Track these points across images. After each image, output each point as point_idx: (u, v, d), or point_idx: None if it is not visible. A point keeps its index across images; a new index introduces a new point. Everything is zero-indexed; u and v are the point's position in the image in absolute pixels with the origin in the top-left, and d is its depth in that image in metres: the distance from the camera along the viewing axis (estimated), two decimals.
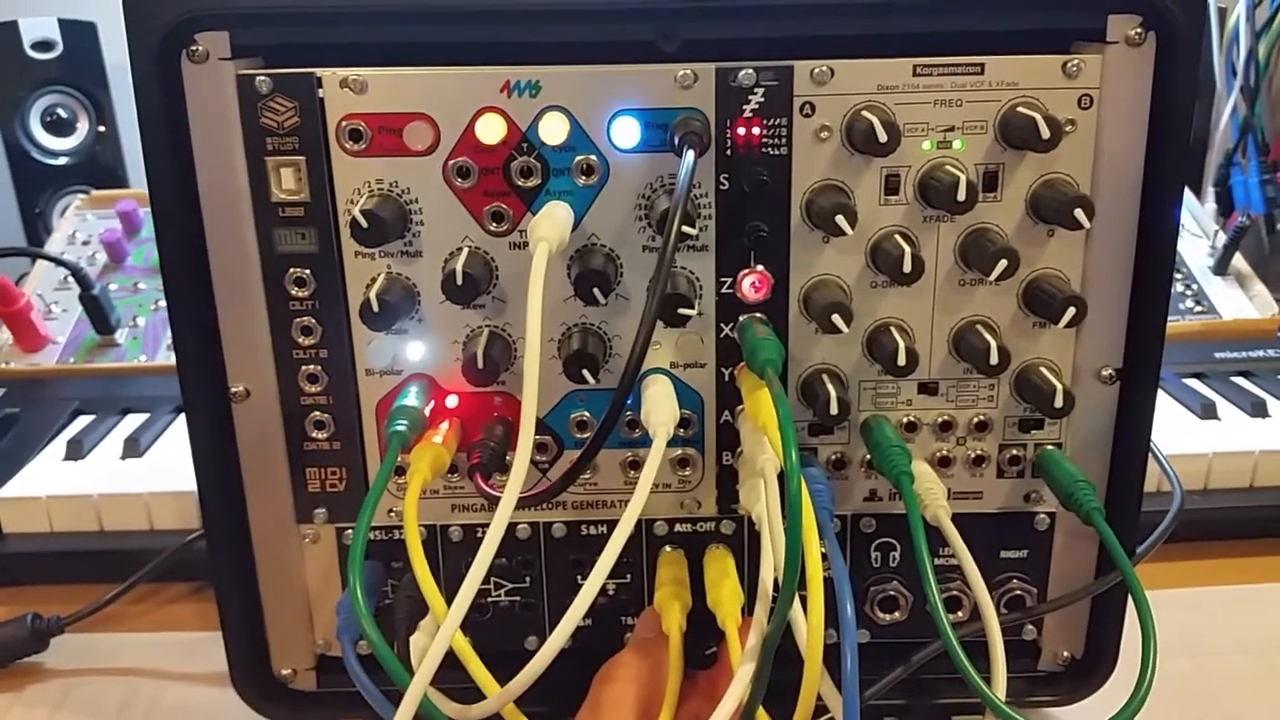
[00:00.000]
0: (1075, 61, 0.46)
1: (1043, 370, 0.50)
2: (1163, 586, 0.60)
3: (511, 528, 0.54)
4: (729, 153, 0.47)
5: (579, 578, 0.55)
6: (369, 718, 0.44)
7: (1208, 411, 0.80)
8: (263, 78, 0.46)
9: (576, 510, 0.54)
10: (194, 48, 0.46)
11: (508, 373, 0.50)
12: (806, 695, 0.39)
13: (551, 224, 0.45)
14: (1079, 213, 0.45)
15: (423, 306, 0.50)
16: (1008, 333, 0.50)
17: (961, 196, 0.45)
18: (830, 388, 0.47)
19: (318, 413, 0.51)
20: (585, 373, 0.48)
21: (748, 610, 0.47)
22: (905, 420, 0.52)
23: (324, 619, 0.55)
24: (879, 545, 0.54)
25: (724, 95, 0.46)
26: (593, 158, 0.47)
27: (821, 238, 0.49)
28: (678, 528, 0.54)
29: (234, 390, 0.50)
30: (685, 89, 0.46)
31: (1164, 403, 0.82)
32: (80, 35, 1.46)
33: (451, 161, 0.47)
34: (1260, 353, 0.92)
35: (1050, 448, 0.52)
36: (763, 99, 0.47)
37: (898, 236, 0.47)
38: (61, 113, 1.49)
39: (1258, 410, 0.81)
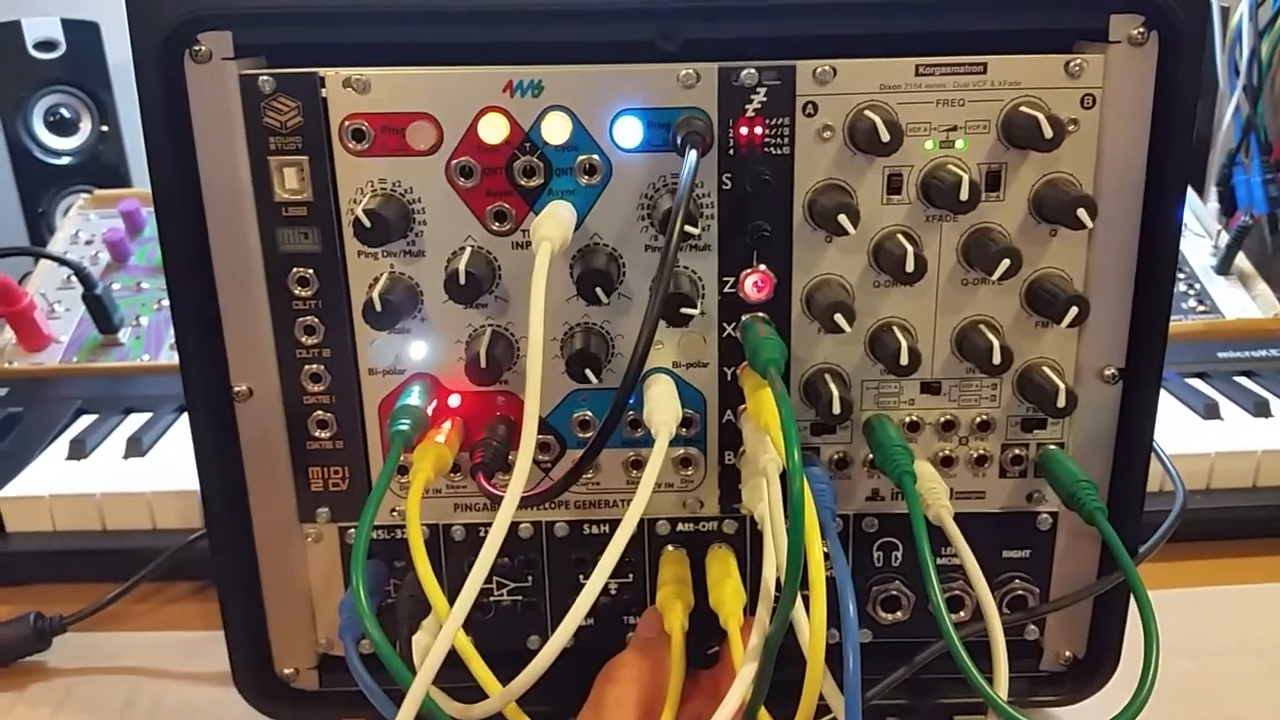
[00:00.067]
0: (1078, 61, 0.46)
1: (1045, 370, 0.50)
2: (1165, 586, 0.60)
3: (514, 527, 0.54)
4: (731, 152, 0.47)
5: (581, 577, 0.55)
6: (371, 717, 0.44)
7: (1210, 411, 0.80)
8: (266, 77, 0.46)
9: (579, 510, 0.54)
10: (197, 47, 0.46)
11: (510, 372, 0.50)
12: (809, 695, 0.39)
13: (554, 223, 0.45)
14: (1081, 212, 0.45)
15: (425, 306, 0.50)
16: (1010, 332, 0.50)
17: (964, 196, 0.45)
18: (833, 387, 0.47)
19: (320, 412, 0.51)
20: (588, 372, 0.48)
21: (750, 610, 0.47)
22: (908, 420, 0.52)
23: (326, 618, 0.55)
24: (881, 545, 0.54)
25: (726, 95, 0.46)
26: (595, 157, 0.47)
27: (824, 237, 0.49)
28: (680, 527, 0.54)
29: (237, 389, 0.50)
30: (688, 89, 0.46)
31: (1166, 402, 0.82)
32: (83, 35, 1.46)
33: (454, 161, 0.47)
34: (1263, 352, 0.92)
35: (1052, 447, 0.52)
36: (765, 98, 0.47)
37: (900, 236, 0.47)
38: (64, 112, 1.49)
39: (1260, 410, 0.81)
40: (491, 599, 0.55)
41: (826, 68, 0.46)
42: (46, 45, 1.45)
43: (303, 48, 0.47)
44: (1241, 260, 1.03)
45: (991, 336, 0.48)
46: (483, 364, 0.47)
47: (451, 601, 0.41)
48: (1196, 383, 0.86)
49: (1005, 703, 0.42)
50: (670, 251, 0.42)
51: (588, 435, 0.52)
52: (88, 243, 1.04)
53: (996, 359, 0.47)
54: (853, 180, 0.48)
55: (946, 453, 0.52)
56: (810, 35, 0.46)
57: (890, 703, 0.54)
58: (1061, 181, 0.47)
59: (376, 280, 0.48)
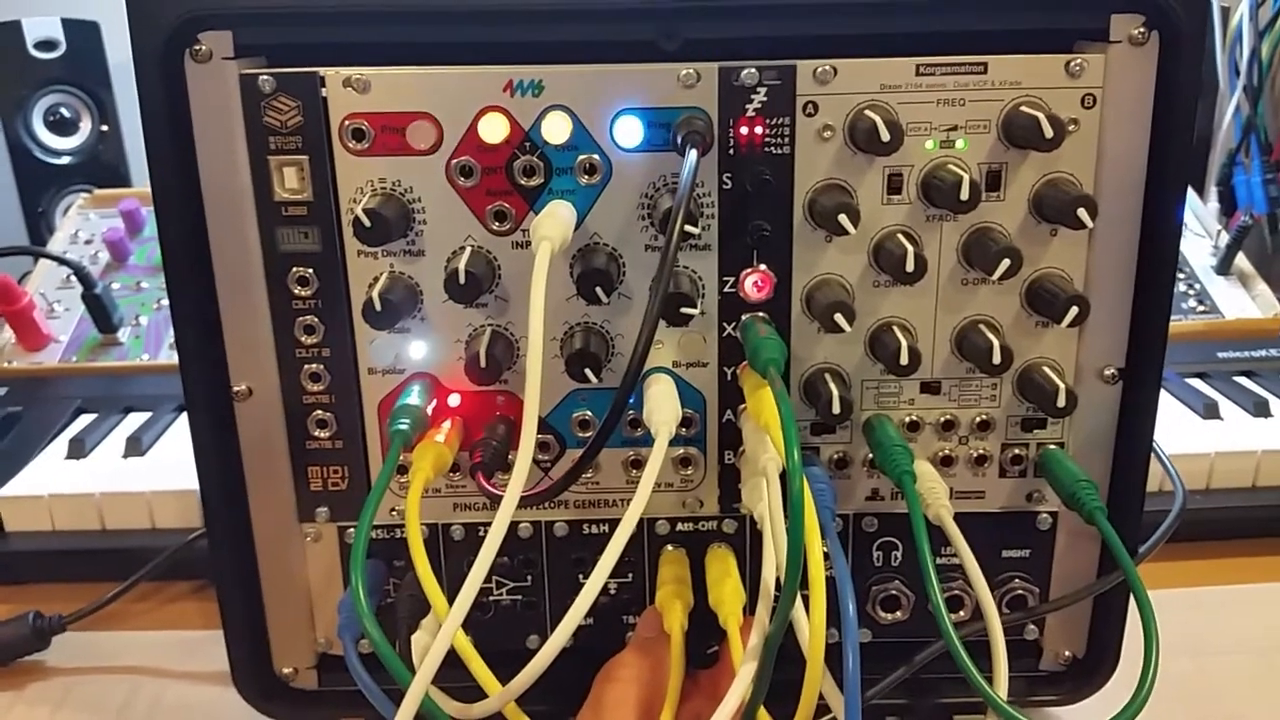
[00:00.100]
0: (1078, 61, 0.46)
1: (1045, 370, 0.50)
2: (1165, 586, 0.60)
3: (513, 527, 0.54)
4: (731, 152, 0.47)
5: (581, 577, 0.55)
6: (370, 717, 0.44)
7: (1210, 411, 0.80)
8: (266, 77, 0.46)
9: (578, 509, 0.54)
10: (197, 47, 0.46)
11: (510, 372, 0.50)
12: (808, 695, 0.39)
13: (554, 223, 0.45)
14: (1082, 212, 0.45)
15: (425, 305, 0.50)
16: (1010, 332, 0.50)
17: (964, 196, 0.45)
18: (832, 387, 0.47)
19: (320, 411, 0.51)
20: (587, 372, 0.48)
21: (749, 609, 0.47)
22: (907, 419, 0.52)
23: (325, 618, 0.55)
24: (881, 544, 0.54)
25: (727, 94, 0.46)
26: (595, 157, 0.47)
27: (824, 237, 0.49)
28: (680, 527, 0.54)
29: (236, 389, 0.50)
30: (688, 88, 0.46)
31: (1166, 402, 0.82)
32: (83, 35, 1.46)
33: (454, 161, 0.47)
34: (1263, 352, 0.92)
35: (1052, 447, 0.52)
36: (765, 98, 0.47)
37: (900, 236, 0.47)
38: (64, 112, 1.49)
39: (1260, 410, 0.81)
40: (491, 598, 0.55)
41: (827, 67, 0.46)
42: (46, 45, 1.45)
43: (303, 47, 0.47)
44: (1241, 260, 1.03)
45: (991, 336, 0.48)
46: (482, 363, 0.47)
47: (451, 601, 0.41)
48: (1196, 383, 0.86)
49: (1005, 702, 0.42)
50: (670, 251, 0.42)
51: (587, 435, 0.52)
52: (87, 242, 1.04)
53: (996, 359, 0.47)
54: (853, 180, 0.48)
55: (946, 452, 0.52)
56: (810, 35, 0.46)
57: (890, 702, 0.54)
58: (1062, 181, 0.47)
59: (376, 280, 0.48)
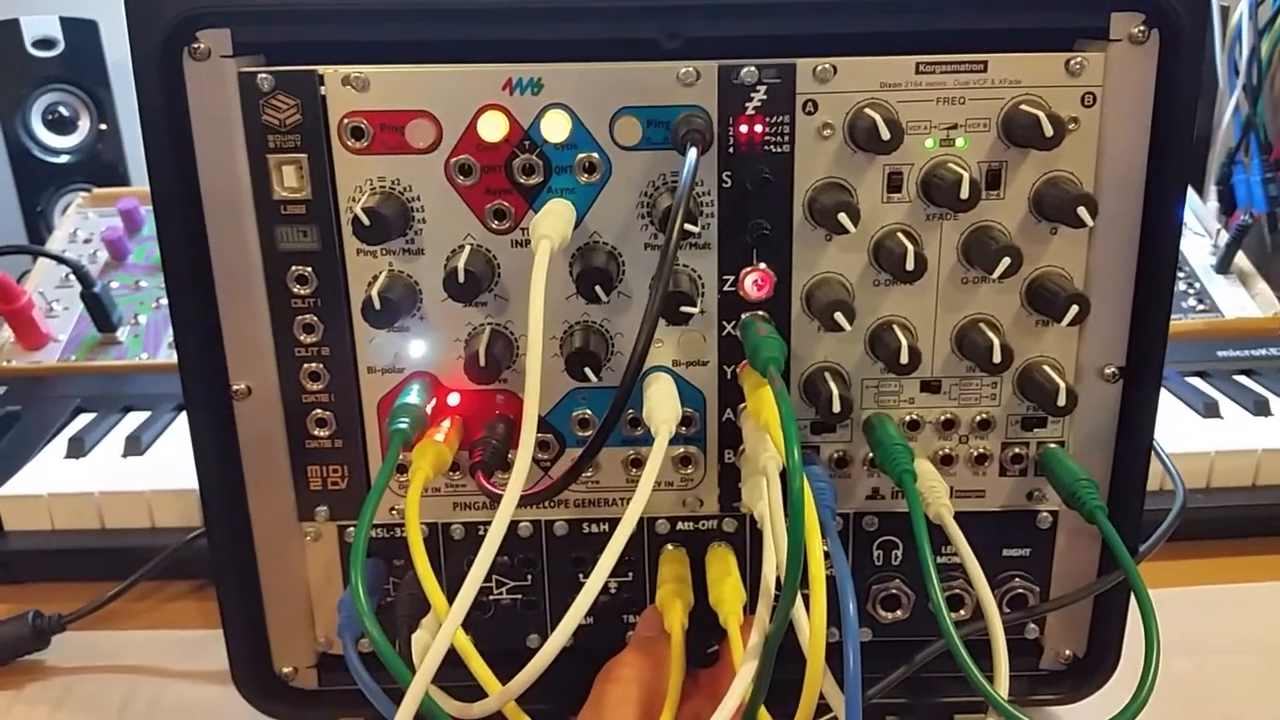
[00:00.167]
0: (1078, 59, 0.46)
1: (1045, 368, 0.49)
2: (1165, 585, 0.60)
3: (513, 526, 0.54)
4: (731, 150, 0.47)
5: (581, 576, 0.55)
6: (370, 716, 0.44)
7: (1210, 410, 0.80)
8: (264, 75, 0.46)
9: (578, 508, 0.54)
10: (195, 45, 0.45)
11: (509, 370, 0.50)
12: (809, 694, 0.39)
13: (553, 221, 0.45)
14: (1082, 211, 0.45)
15: (424, 304, 0.50)
16: (1010, 331, 0.50)
17: (964, 194, 0.45)
18: (833, 386, 0.47)
19: (319, 410, 0.51)
20: (587, 371, 0.48)
21: (750, 609, 0.47)
22: (908, 418, 0.52)
23: (325, 617, 0.55)
24: (881, 543, 0.54)
25: (726, 93, 0.46)
26: (595, 155, 0.47)
27: (824, 236, 0.49)
28: (680, 526, 0.54)
29: (235, 388, 0.50)
30: (687, 86, 0.46)
31: (1167, 401, 0.82)
32: (82, 33, 1.46)
33: (453, 159, 0.47)
34: (1263, 351, 0.92)
35: (1053, 446, 0.52)
36: (765, 96, 0.46)
37: (900, 234, 0.47)
38: (63, 110, 1.49)
39: (1260, 409, 0.81)
40: (491, 598, 0.55)
41: (827, 66, 0.46)
42: (45, 43, 1.45)
43: (302, 45, 0.47)
44: (1241, 259, 1.03)
45: (992, 335, 0.48)
46: (482, 362, 0.47)
47: (451, 600, 0.41)
48: (1196, 381, 0.86)
49: (1005, 701, 0.42)
50: (670, 249, 0.42)
51: (587, 434, 0.52)
52: (86, 241, 1.04)
53: (997, 357, 0.47)
54: (853, 178, 0.48)
55: (946, 451, 0.52)
56: (810, 33, 0.46)
57: (890, 701, 0.54)
58: (1062, 180, 0.47)
59: (375, 278, 0.48)
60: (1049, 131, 0.44)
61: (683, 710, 0.45)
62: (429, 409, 0.50)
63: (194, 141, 0.47)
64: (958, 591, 0.54)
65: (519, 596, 0.55)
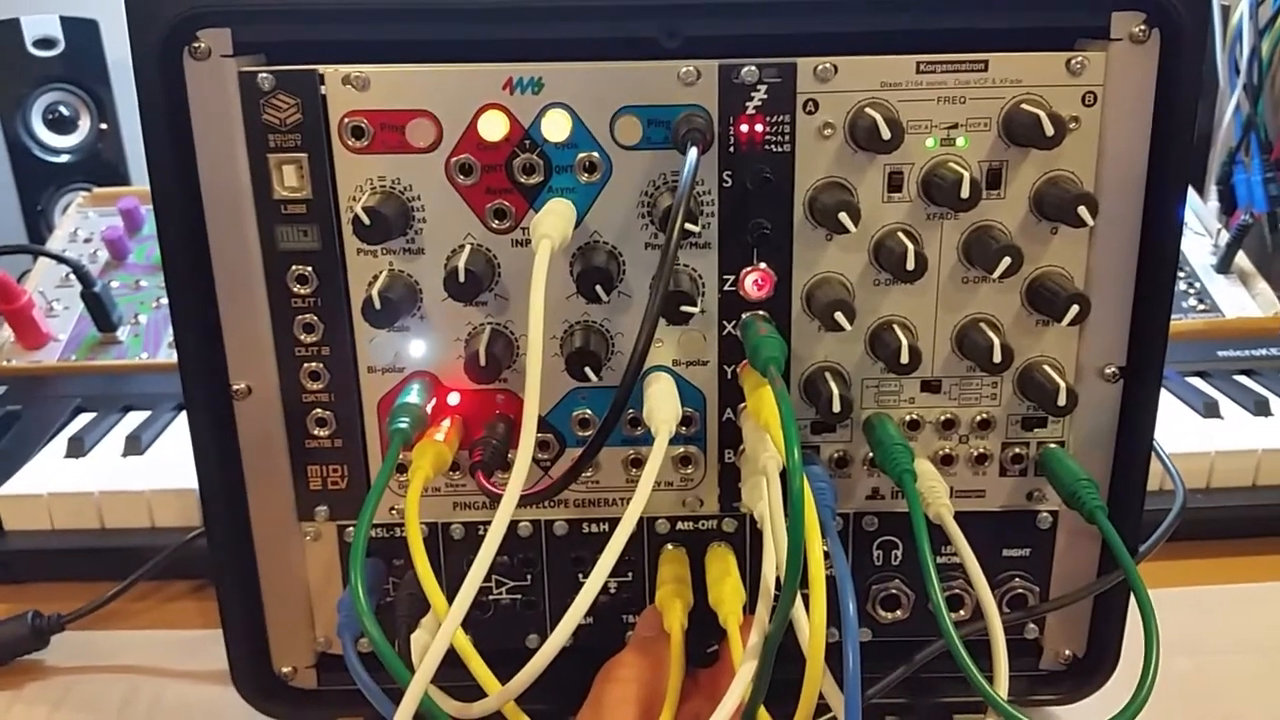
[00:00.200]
0: (1079, 59, 0.46)
1: (1046, 368, 0.49)
2: (1165, 585, 0.60)
3: (513, 526, 0.53)
4: (732, 150, 0.47)
5: (580, 576, 0.54)
6: (370, 716, 0.44)
7: (1210, 410, 0.80)
8: (265, 75, 0.46)
9: (578, 508, 0.53)
10: (196, 45, 0.45)
11: (510, 370, 0.50)
12: (808, 694, 0.39)
13: (554, 221, 0.45)
14: (1082, 210, 0.45)
15: (425, 304, 0.50)
16: (1011, 331, 0.49)
17: (965, 194, 0.45)
18: (833, 385, 0.47)
19: (319, 410, 0.51)
20: (587, 370, 0.48)
21: (749, 608, 0.47)
22: (908, 418, 0.52)
23: (325, 617, 0.55)
24: (881, 543, 0.54)
25: (727, 92, 0.46)
26: (595, 155, 0.47)
27: (824, 235, 0.49)
28: (679, 526, 0.54)
29: (235, 388, 0.50)
30: (688, 86, 0.46)
31: (1167, 401, 0.82)
32: (82, 32, 1.46)
33: (454, 159, 0.47)
34: (1263, 351, 0.92)
35: (1053, 446, 0.52)
36: (766, 96, 0.46)
37: (901, 234, 0.47)
38: (63, 110, 1.49)
39: (1260, 409, 0.81)
40: (490, 597, 0.55)
41: (827, 65, 0.46)
42: (45, 43, 1.45)
43: (302, 45, 0.47)
44: (1241, 259, 1.03)
45: (992, 335, 0.48)
46: (482, 362, 0.47)
47: (450, 600, 0.41)
48: (1197, 381, 0.86)
49: (1005, 701, 0.42)
50: (670, 249, 0.42)
51: (587, 433, 0.52)
52: (86, 240, 1.04)
53: (997, 357, 0.47)
54: (853, 178, 0.48)
55: (946, 451, 0.52)
56: (811, 32, 0.46)
57: (890, 701, 0.54)
58: (1062, 179, 0.47)
59: (376, 278, 0.48)
60: (1050, 131, 0.44)
61: (682, 710, 0.45)
62: (429, 409, 0.50)
63: (194, 141, 0.47)
64: (957, 591, 0.54)
65: (519, 596, 0.55)
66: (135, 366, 0.93)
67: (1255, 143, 1.10)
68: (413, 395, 0.49)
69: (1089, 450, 0.52)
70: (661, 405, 0.47)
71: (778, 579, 0.40)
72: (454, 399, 0.51)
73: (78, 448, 0.78)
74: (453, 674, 0.42)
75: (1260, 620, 0.65)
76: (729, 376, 0.51)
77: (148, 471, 0.75)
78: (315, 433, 0.52)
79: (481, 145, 0.47)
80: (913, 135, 0.47)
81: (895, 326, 0.49)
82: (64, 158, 1.49)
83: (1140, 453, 0.51)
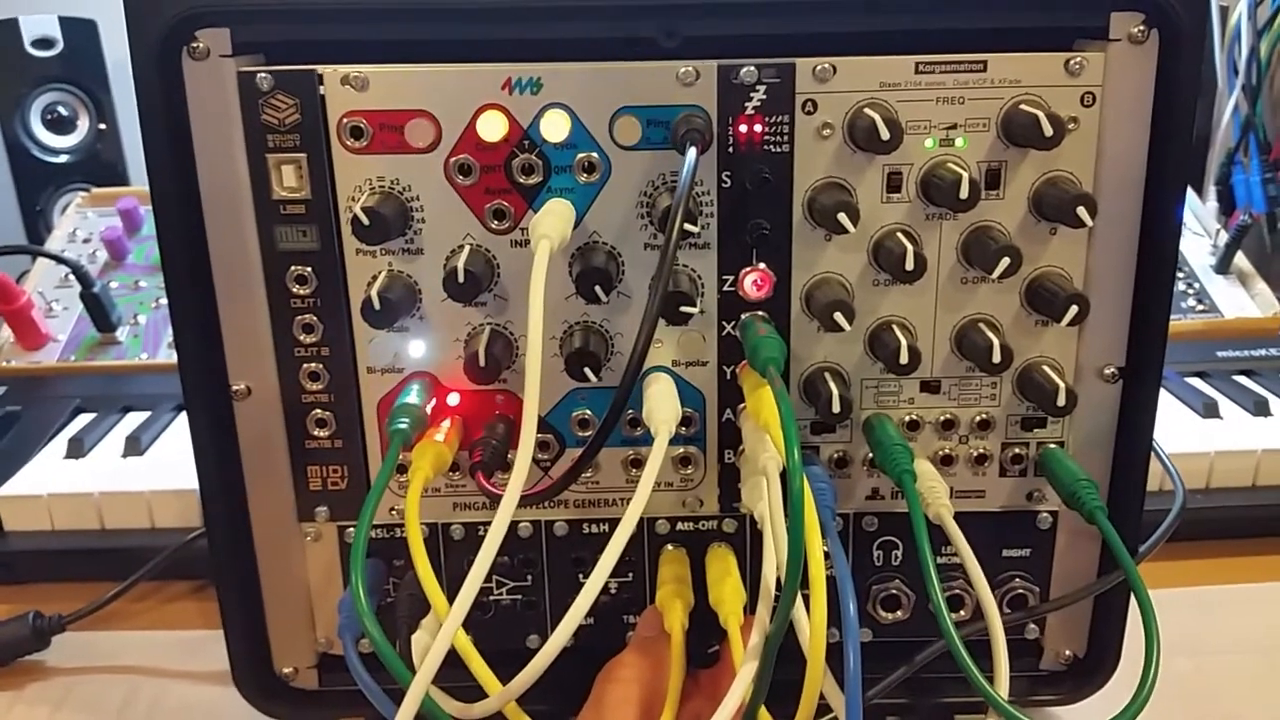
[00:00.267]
0: (1078, 59, 0.46)
1: (1045, 369, 0.49)
2: (1165, 585, 0.60)
3: (513, 526, 0.53)
4: (731, 150, 0.47)
5: (581, 576, 0.54)
6: (371, 716, 0.44)
7: (1210, 410, 0.80)
8: (264, 75, 0.46)
9: (578, 509, 0.53)
10: (195, 45, 0.45)
11: (509, 371, 0.50)
12: (809, 694, 0.39)
13: (553, 221, 0.45)
14: (1081, 210, 0.45)
15: (424, 304, 0.50)
16: (1010, 331, 0.49)
17: (964, 194, 0.45)
18: (832, 386, 0.47)
19: (319, 411, 0.51)
20: (587, 371, 0.48)
21: (750, 609, 0.47)
22: (907, 419, 0.52)
23: (325, 617, 0.55)
24: (881, 544, 0.54)
25: (726, 92, 0.46)
26: (594, 155, 0.47)
27: (823, 235, 0.49)
28: (680, 526, 0.54)
29: (235, 388, 0.50)
30: (687, 86, 0.46)
31: (1166, 401, 0.82)
32: (81, 33, 1.46)
33: (453, 159, 0.47)
34: (1262, 351, 0.92)
35: (1052, 446, 0.52)
36: (765, 96, 0.46)
37: (900, 234, 0.47)
38: (62, 110, 1.49)
39: (1260, 409, 0.81)
40: (491, 598, 0.55)
41: (826, 65, 0.46)
42: (44, 43, 1.45)
43: (301, 45, 0.47)
44: (1240, 259, 1.03)
45: (991, 335, 0.48)
46: (482, 362, 0.47)
47: (451, 600, 0.41)
48: (1196, 382, 0.86)
49: (1006, 702, 0.42)
50: (670, 249, 0.42)
51: (587, 434, 0.52)
52: (85, 241, 1.04)
53: (996, 358, 0.47)
54: (852, 178, 0.48)
55: (946, 451, 0.52)
56: (810, 32, 0.46)
57: (891, 702, 0.54)
58: (1061, 180, 0.47)
59: (375, 278, 0.48)
60: (1048, 131, 0.44)
61: (683, 710, 0.45)
62: (429, 409, 0.50)
63: (193, 141, 0.47)
64: (958, 592, 0.54)
65: (519, 597, 0.55)
66: (135, 367, 0.93)
67: (1254, 143, 1.11)
68: (412, 396, 0.49)
69: (1089, 450, 0.52)
70: (661, 406, 0.47)
71: (778, 579, 0.40)
72: (454, 399, 0.51)
73: (77, 448, 0.78)
74: (454, 674, 0.42)
75: (1260, 620, 0.65)
76: (728, 377, 0.51)
77: (148, 472, 0.75)
78: (315, 433, 0.52)
79: (480, 145, 0.47)
80: (911, 136, 0.47)
81: (894, 327, 0.49)
82: (63, 158, 1.49)
83: (1140, 453, 0.51)
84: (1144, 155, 0.47)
